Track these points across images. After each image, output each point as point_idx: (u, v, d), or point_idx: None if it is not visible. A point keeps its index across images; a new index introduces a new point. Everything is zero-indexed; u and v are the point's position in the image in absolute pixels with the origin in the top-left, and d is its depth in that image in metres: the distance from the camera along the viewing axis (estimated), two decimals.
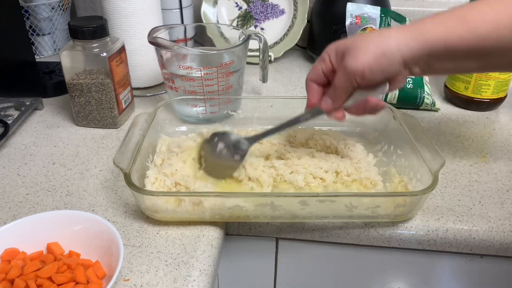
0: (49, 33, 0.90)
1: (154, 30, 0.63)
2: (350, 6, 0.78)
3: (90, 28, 0.59)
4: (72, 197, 0.51)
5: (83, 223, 0.42)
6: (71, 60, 0.62)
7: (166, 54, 0.63)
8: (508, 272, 0.52)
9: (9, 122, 0.63)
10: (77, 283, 0.38)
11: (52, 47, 0.92)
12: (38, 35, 0.88)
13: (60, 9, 0.89)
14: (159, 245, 0.44)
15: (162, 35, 0.64)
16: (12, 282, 0.37)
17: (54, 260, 0.39)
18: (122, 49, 0.64)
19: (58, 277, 0.37)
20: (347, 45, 0.44)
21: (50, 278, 0.37)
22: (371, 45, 0.42)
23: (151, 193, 0.44)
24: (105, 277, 0.39)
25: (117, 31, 0.70)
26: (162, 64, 0.64)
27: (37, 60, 0.83)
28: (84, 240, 0.41)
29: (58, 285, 0.37)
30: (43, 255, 0.40)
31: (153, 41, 0.60)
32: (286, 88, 0.80)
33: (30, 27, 0.87)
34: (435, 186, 0.44)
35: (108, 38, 0.62)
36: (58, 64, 0.80)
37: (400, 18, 0.79)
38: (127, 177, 0.44)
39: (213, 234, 0.46)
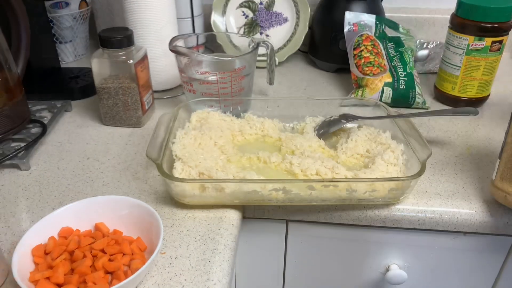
0: (71, 41, 0.98)
1: (173, 39, 0.70)
2: (348, 15, 0.86)
3: (118, 38, 0.67)
4: (108, 186, 0.59)
5: (127, 206, 0.49)
6: (99, 66, 0.69)
7: (184, 60, 0.70)
8: (487, 247, 0.59)
9: (45, 122, 0.70)
10: (124, 254, 0.45)
11: (73, 53, 0.99)
12: (61, 42, 0.96)
13: (81, 18, 0.97)
14: (188, 225, 0.52)
15: (180, 43, 0.71)
16: (71, 253, 0.44)
17: (102, 236, 0.47)
18: (145, 57, 0.71)
19: (109, 248, 0.44)
20: None
21: (102, 250, 0.44)
22: None
23: (181, 180, 0.51)
24: (146, 250, 0.47)
25: (138, 40, 0.77)
26: (181, 69, 0.71)
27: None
28: (126, 221, 0.49)
29: (110, 255, 0.44)
30: (92, 233, 0.48)
31: (174, 49, 0.68)
32: (290, 90, 0.87)
33: (53, 35, 0.94)
34: (422, 173, 0.52)
35: (133, 47, 0.70)
36: (82, 69, 0.88)
37: (393, 25, 0.87)
38: (160, 167, 0.52)
39: (233, 216, 0.54)
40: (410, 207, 0.56)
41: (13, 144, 0.65)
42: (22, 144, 0.64)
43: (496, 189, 0.53)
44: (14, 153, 0.62)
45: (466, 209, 0.55)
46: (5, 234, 0.51)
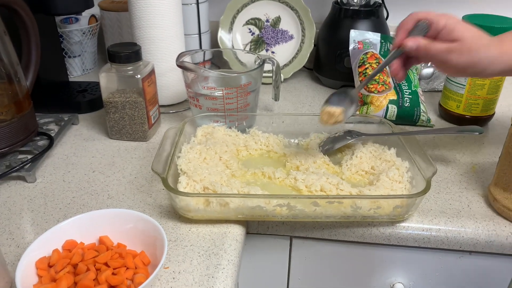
0: (79, 55, 0.99)
1: (181, 55, 0.71)
2: (353, 33, 0.87)
3: (126, 53, 0.68)
4: (113, 200, 0.59)
5: (132, 220, 0.49)
6: (107, 80, 0.70)
7: (191, 76, 0.71)
8: (494, 267, 0.59)
9: (52, 135, 0.71)
10: (127, 268, 0.45)
11: (81, 68, 1.01)
12: (69, 57, 0.97)
13: (90, 33, 0.98)
14: (192, 240, 0.52)
15: (187, 59, 0.72)
16: (75, 266, 0.44)
17: (106, 249, 0.47)
18: (152, 72, 0.72)
19: (113, 262, 0.44)
20: (463, 37, 0.50)
21: (106, 263, 0.44)
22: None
23: (186, 194, 0.52)
24: (149, 265, 0.47)
25: (146, 55, 0.78)
26: (188, 84, 0.72)
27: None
28: (130, 234, 0.49)
29: (113, 269, 0.44)
30: (96, 246, 0.48)
31: (181, 65, 0.69)
32: (295, 106, 0.88)
33: (63, 50, 0.96)
34: (427, 191, 0.51)
35: (141, 62, 0.71)
36: (90, 83, 0.89)
37: None
38: (165, 181, 0.52)
39: (237, 231, 0.54)
40: (415, 225, 0.56)
41: (20, 156, 0.66)
42: (29, 156, 0.65)
43: (489, 193, 0.58)
44: (20, 165, 0.62)
45: (472, 228, 0.55)
46: (9, 246, 0.51)
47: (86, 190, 0.61)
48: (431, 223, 0.56)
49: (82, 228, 0.49)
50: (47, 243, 0.46)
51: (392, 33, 0.96)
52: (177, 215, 0.55)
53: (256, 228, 0.58)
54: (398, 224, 0.56)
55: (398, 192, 0.56)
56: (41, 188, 0.61)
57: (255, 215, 0.53)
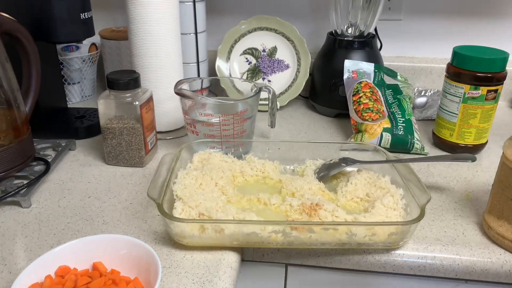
0: (79, 82, 1.01)
1: (179, 83, 0.73)
2: (347, 62, 0.89)
3: (125, 80, 0.69)
4: (108, 225, 0.58)
5: (126, 246, 0.49)
6: (105, 107, 0.71)
7: (189, 103, 0.72)
8: None
9: (49, 160, 0.71)
10: None
11: (80, 94, 1.02)
12: (69, 84, 0.99)
13: (90, 61, 1.00)
14: (186, 266, 0.51)
15: (185, 86, 0.74)
16: None
17: (99, 276, 0.46)
18: (151, 99, 0.73)
19: None
20: None
21: None
22: None
23: (181, 220, 0.52)
24: None
25: (145, 83, 0.80)
26: (185, 111, 0.73)
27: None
28: (124, 260, 0.48)
29: None
30: (90, 272, 0.47)
31: (179, 92, 0.70)
32: (290, 133, 0.89)
33: (62, 76, 0.97)
34: (422, 218, 0.52)
35: (140, 89, 0.72)
36: (88, 110, 0.90)
37: (392, 73, 0.90)
38: (160, 207, 0.52)
39: (232, 258, 0.53)
40: (410, 252, 0.55)
41: (16, 181, 0.66)
42: (25, 182, 0.65)
43: (483, 220, 0.59)
44: (16, 190, 0.62)
45: (467, 256, 0.55)
46: (1, 272, 0.50)
47: (81, 215, 0.61)
48: (426, 251, 0.56)
49: (75, 254, 0.48)
50: (39, 269, 0.45)
51: (385, 63, 0.99)
52: (172, 242, 0.55)
53: (251, 255, 0.57)
54: (393, 252, 0.55)
55: (393, 219, 0.56)
56: (36, 214, 0.61)
57: (250, 241, 0.53)
